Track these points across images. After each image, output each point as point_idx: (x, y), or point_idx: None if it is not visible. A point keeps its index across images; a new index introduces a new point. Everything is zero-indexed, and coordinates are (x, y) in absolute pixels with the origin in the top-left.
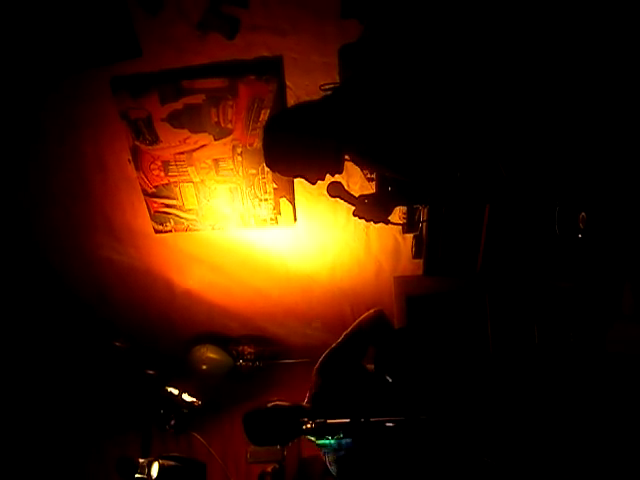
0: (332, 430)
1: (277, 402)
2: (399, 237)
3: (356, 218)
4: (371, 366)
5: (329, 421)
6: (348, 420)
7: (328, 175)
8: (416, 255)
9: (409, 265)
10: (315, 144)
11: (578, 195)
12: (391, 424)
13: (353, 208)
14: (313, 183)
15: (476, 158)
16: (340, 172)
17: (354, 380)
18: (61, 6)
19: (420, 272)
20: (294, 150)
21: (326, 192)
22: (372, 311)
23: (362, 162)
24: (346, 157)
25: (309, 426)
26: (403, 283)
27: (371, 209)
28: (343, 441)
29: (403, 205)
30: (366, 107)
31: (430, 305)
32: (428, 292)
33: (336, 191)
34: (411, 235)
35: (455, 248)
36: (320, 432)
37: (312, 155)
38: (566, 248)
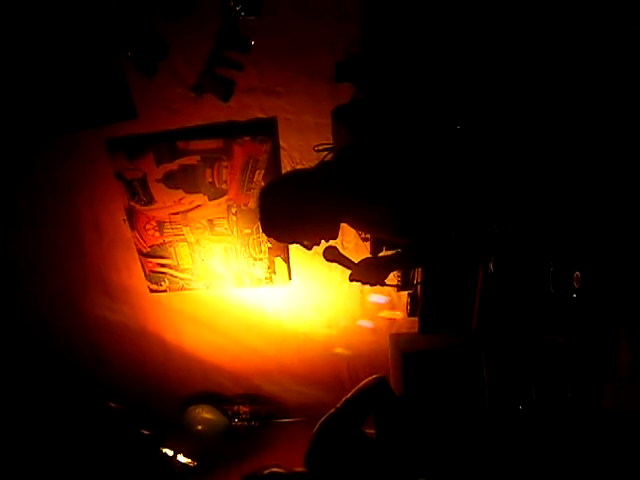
0: None
1: (273, 469)
2: (394, 295)
3: None
4: (371, 431)
5: None
6: None
7: (323, 240)
8: (411, 313)
9: (404, 323)
10: (312, 211)
11: (572, 254)
12: None
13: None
14: (309, 249)
15: (470, 217)
16: (335, 238)
17: (353, 445)
18: (59, 68)
19: (416, 329)
20: (290, 217)
21: (322, 255)
22: (373, 377)
23: (359, 226)
24: (340, 222)
25: None
26: (399, 340)
27: (367, 273)
28: None
29: (399, 269)
30: (364, 171)
31: (426, 362)
32: (424, 349)
33: (332, 256)
34: (406, 293)
35: (450, 306)
36: None
37: (308, 222)
38: (561, 307)
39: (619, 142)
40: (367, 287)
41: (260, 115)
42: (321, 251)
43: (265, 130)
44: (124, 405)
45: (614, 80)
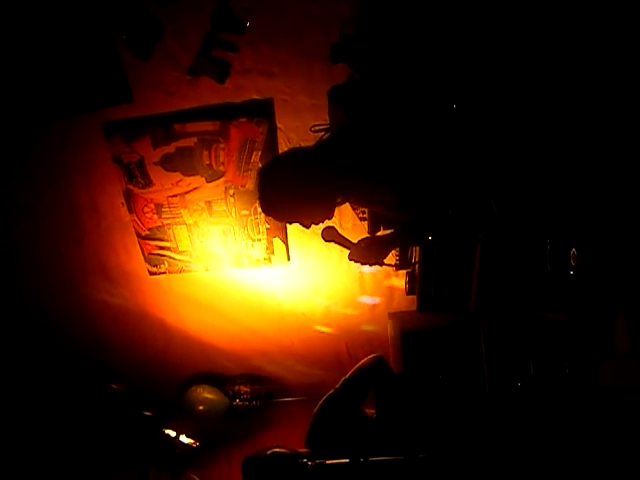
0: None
1: (276, 449)
2: (392, 274)
3: None
4: (371, 411)
5: (328, 462)
6: (347, 460)
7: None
8: (410, 292)
9: (403, 301)
10: (311, 190)
11: (569, 232)
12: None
13: (347, 250)
14: (307, 227)
15: (468, 195)
16: (330, 218)
17: (353, 425)
18: (54, 53)
19: (414, 307)
20: (289, 196)
21: (320, 236)
22: (371, 356)
23: (357, 202)
24: (339, 200)
25: (309, 466)
26: (397, 319)
27: (366, 253)
28: None
29: (397, 247)
30: (362, 149)
31: (425, 340)
32: (423, 327)
33: (330, 236)
34: (404, 271)
35: (448, 284)
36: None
37: (308, 200)
38: (558, 284)
39: (616, 121)
40: (366, 266)
41: (256, 96)
42: (319, 231)
43: (261, 111)
44: (126, 387)
45: (605, 58)
